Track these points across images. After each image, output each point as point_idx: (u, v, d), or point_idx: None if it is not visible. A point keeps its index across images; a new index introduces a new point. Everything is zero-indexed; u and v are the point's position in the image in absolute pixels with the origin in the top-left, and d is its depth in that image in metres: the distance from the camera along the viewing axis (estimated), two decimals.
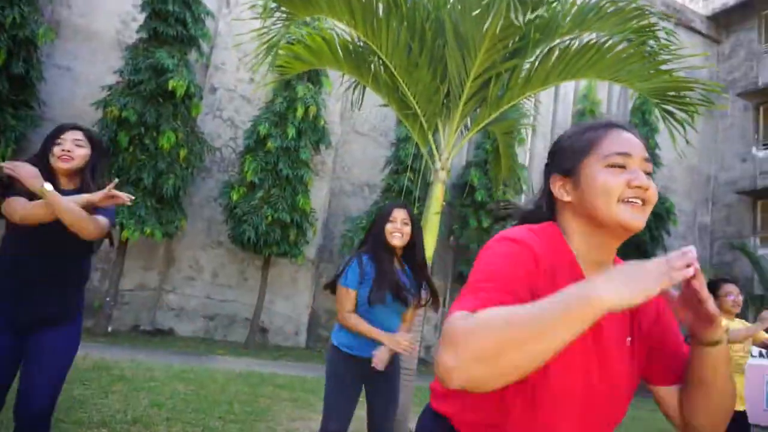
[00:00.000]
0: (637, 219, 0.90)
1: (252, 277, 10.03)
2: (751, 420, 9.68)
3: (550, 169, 1.05)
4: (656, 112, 4.17)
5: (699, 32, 16.87)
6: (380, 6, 3.60)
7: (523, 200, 12.81)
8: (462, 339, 0.70)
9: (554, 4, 3.26)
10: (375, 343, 2.42)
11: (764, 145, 16.31)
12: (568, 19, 3.65)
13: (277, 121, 9.38)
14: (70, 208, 1.93)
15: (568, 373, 0.88)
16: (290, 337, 10.26)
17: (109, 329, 8.31)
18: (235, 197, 9.08)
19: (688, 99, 3.54)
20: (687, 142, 3.67)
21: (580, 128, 1.03)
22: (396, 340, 2.37)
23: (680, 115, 3.58)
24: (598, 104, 12.39)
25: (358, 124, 11.45)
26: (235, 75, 10.33)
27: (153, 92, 8.23)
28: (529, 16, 2.76)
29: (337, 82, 8.49)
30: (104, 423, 3.34)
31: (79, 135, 2.14)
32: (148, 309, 9.44)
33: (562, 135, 1.07)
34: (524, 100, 4.22)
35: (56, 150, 2.09)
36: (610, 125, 0.98)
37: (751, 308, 11.98)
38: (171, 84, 8.12)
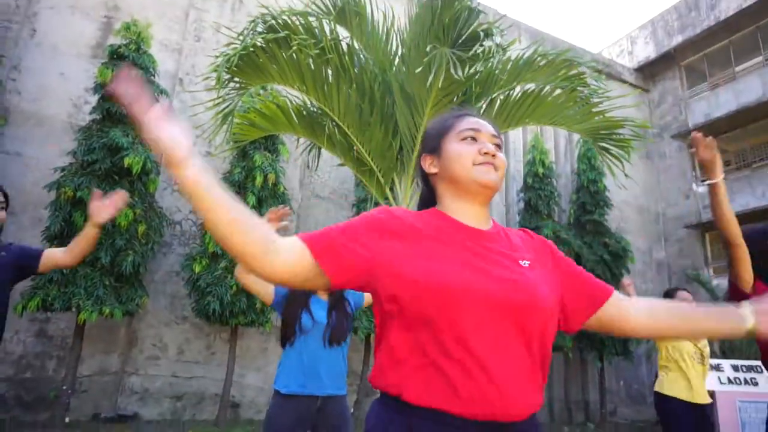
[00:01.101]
0: (489, 176, 1.11)
1: (219, 350, 9.72)
2: None
3: (421, 151, 1.24)
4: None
5: (629, 83, 18.22)
6: (329, 72, 3.82)
7: None
8: None
9: (491, 60, 3.55)
10: (318, 379, 2.47)
11: (702, 181, 17.34)
12: (505, 73, 3.94)
13: (236, 190, 9.43)
14: None
15: (459, 286, 0.99)
16: (263, 410, 9.84)
17: (67, 420, 7.79)
18: (197, 269, 8.93)
19: (621, 136, 3.84)
20: (626, 175, 3.95)
21: (441, 117, 1.25)
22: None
23: (615, 150, 3.87)
24: (546, 153, 13.01)
25: (318, 189, 11.62)
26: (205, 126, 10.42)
27: (108, 171, 8.21)
28: (468, 71, 3.00)
29: (294, 148, 8.69)
30: None
31: (1, 198, 2.24)
32: (109, 395, 8.95)
33: (429, 125, 1.27)
34: None
35: None
36: (465, 114, 1.21)
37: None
38: (127, 161, 8.13)
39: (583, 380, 13.88)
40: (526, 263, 1.11)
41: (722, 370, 9.21)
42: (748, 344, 11.25)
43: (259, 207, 9.44)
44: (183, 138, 0.98)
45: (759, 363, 9.26)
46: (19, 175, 9.03)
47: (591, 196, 13.45)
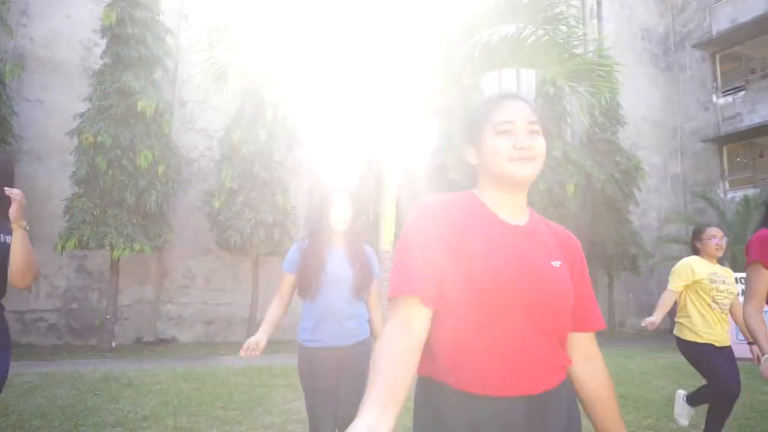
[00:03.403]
0: (524, 171, 1.13)
1: (244, 278, 10.45)
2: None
3: (463, 138, 1.27)
4: None
5: None
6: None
7: None
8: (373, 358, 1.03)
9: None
10: (339, 330, 2.42)
11: (724, 92, 16.84)
12: (488, 15, 4.04)
13: (248, 126, 9.71)
14: (30, 250, 2.00)
15: (499, 280, 1.07)
16: (287, 330, 10.65)
17: (113, 344, 8.71)
18: (217, 204, 9.45)
19: (596, 79, 3.96)
20: (597, 116, 4.09)
21: (481, 103, 1.23)
22: (247, 344, 2.37)
23: (588, 96, 4.02)
24: None
25: (330, 119, 11.77)
26: (201, 87, 10.59)
27: (124, 114, 8.54)
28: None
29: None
30: (119, 423, 3.78)
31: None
32: (148, 321, 9.85)
33: (469, 112, 1.27)
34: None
35: None
36: (501, 97, 1.20)
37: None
38: (140, 105, 8.44)
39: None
40: (557, 263, 1.16)
41: None
42: None
43: (271, 141, 9.74)
44: None
45: None
46: (42, 121, 9.43)
47: (603, 114, 13.29)
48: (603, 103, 4.27)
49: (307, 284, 2.46)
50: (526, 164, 1.12)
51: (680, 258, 3.61)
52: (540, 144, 1.14)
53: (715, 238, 3.51)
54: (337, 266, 2.48)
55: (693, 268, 3.47)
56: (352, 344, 2.48)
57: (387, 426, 0.90)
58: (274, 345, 9.61)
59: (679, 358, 3.77)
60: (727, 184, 16.72)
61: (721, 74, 16.98)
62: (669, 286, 3.54)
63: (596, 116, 12.69)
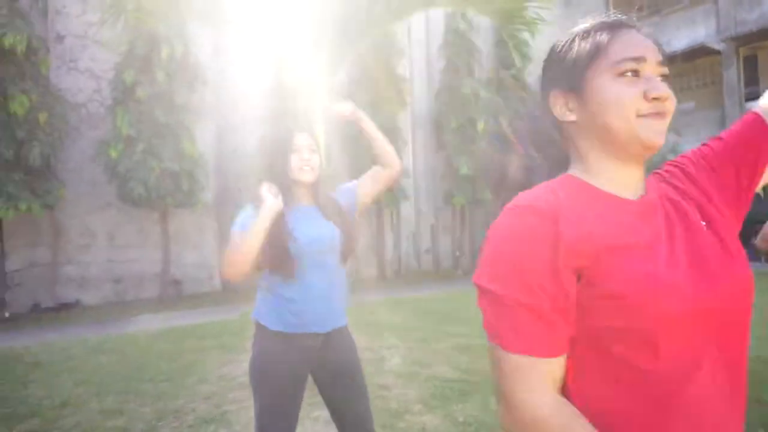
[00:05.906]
0: (658, 136, 0.77)
1: (153, 232, 9.75)
2: None
3: (547, 85, 0.86)
4: None
5: None
6: None
7: (409, 113, 13.11)
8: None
9: None
10: (322, 310, 1.84)
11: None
12: None
13: (142, 66, 8.74)
14: None
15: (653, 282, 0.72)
16: (204, 283, 10.29)
17: (7, 314, 7.88)
18: (114, 154, 8.56)
19: (527, 17, 3.87)
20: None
21: (580, 32, 0.83)
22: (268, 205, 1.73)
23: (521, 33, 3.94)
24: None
25: (235, 55, 10.88)
26: (81, 19, 9.28)
27: None
28: None
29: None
30: (33, 413, 3.40)
31: None
32: (46, 285, 8.98)
33: (557, 43, 0.87)
34: None
35: None
36: (618, 24, 0.81)
37: None
38: (7, 42, 7.25)
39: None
40: (704, 224, 0.82)
41: None
42: None
43: (170, 82, 8.89)
44: None
45: None
46: None
47: (511, 50, 13.44)
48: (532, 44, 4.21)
49: (278, 258, 1.78)
50: (661, 124, 0.77)
51: None
52: (674, 98, 0.78)
53: None
54: (313, 229, 1.85)
55: None
56: (334, 330, 1.89)
57: None
58: (192, 300, 9.23)
59: None
60: None
61: (613, 6, 17.72)
62: None
63: (507, 55, 12.89)
